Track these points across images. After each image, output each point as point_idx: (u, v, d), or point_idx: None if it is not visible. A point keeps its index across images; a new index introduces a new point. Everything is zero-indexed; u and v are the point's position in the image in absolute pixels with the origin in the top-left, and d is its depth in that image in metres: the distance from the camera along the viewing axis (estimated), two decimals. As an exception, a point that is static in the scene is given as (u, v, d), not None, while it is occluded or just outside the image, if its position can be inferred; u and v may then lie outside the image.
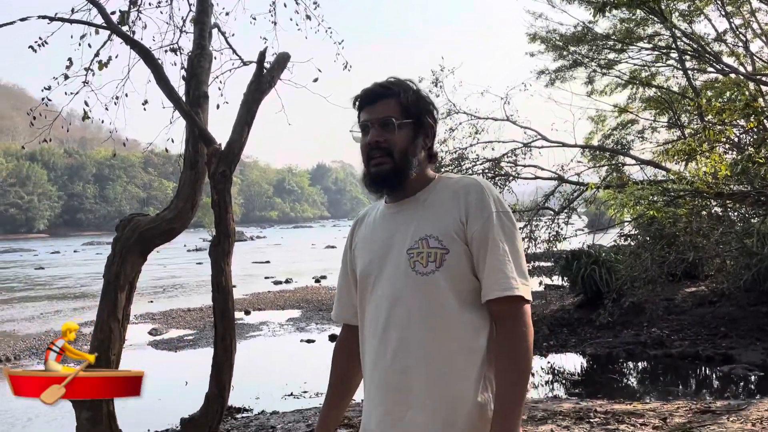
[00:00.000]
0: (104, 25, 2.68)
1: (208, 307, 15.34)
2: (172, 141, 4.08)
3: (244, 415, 7.05)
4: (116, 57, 5.13)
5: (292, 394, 7.87)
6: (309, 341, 11.11)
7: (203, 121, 2.78)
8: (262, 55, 2.67)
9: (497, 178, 12.29)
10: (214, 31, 3.19)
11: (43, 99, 5.49)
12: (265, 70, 2.70)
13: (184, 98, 2.82)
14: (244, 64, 3.53)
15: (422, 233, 1.52)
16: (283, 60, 2.87)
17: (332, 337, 11.32)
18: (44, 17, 2.41)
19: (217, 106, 3.55)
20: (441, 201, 1.56)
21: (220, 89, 5.38)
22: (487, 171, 12.40)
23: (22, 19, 2.49)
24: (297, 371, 9.16)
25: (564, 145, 12.08)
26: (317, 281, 20.24)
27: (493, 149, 12.46)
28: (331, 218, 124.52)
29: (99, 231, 77.25)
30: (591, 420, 5.38)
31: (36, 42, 5.27)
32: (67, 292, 19.67)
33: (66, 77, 5.51)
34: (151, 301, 16.94)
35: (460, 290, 1.49)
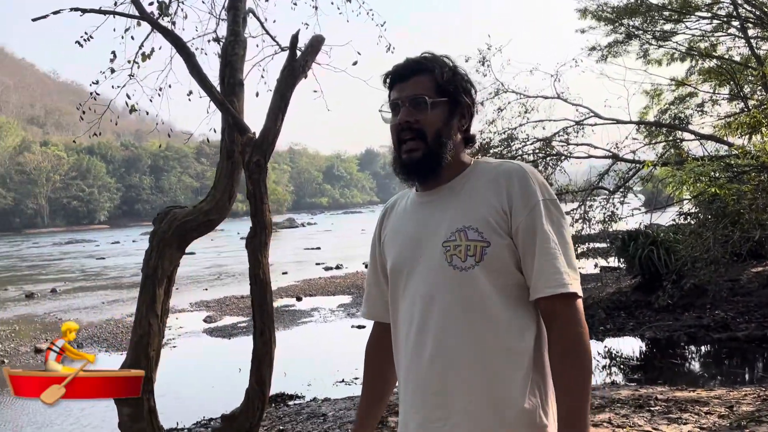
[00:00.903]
0: (138, 15, 2.64)
1: (261, 294, 15.59)
2: (214, 131, 4.05)
3: (296, 402, 7.09)
4: (159, 48, 5.15)
5: (343, 381, 7.88)
6: (359, 327, 11.11)
7: (239, 109, 2.72)
8: (295, 39, 2.57)
9: (549, 158, 12.00)
10: (251, 17, 3.12)
11: (91, 93, 5.58)
12: (298, 55, 2.61)
13: (219, 87, 2.76)
14: (282, 49, 3.45)
15: (459, 224, 1.38)
16: (316, 43, 2.77)
17: (382, 323, 11.30)
18: (76, 9, 2.39)
19: (257, 94, 3.49)
20: (479, 189, 1.42)
21: (263, 77, 5.38)
22: (537, 151, 12.13)
23: (55, 12, 2.48)
24: (348, 357, 9.16)
25: (618, 121, 11.68)
26: (367, 266, 20.24)
27: (543, 128, 12.19)
28: (380, 203, 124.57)
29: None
30: (651, 408, 5.16)
31: (82, 37, 5.36)
32: (126, 282, 20.30)
33: (112, 71, 5.58)
34: (206, 289, 17.31)
35: (503, 286, 1.36)
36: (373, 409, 1.66)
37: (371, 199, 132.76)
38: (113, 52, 4.87)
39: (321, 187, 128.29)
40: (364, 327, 11.09)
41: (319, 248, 29.64)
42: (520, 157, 12.36)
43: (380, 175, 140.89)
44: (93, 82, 5.59)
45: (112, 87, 5.62)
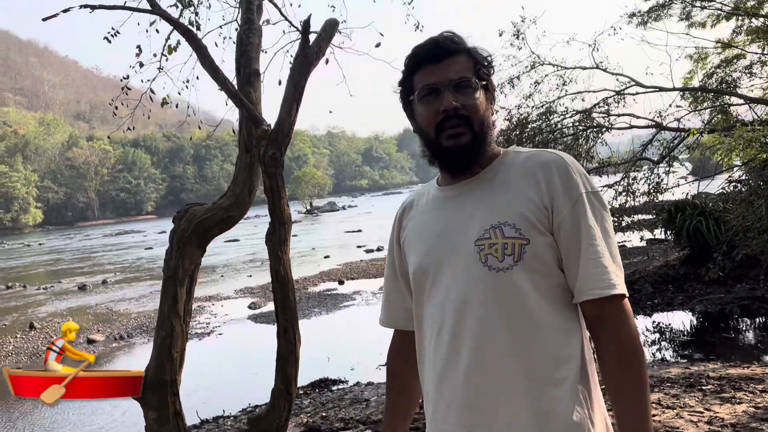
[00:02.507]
0: (149, 9, 2.60)
1: (303, 278, 15.73)
2: (233, 128, 4.02)
3: (339, 387, 7.12)
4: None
5: (386, 364, 7.87)
6: (403, 309, 11.10)
7: (255, 100, 2.65)
8: (306, 24, 2.48)
9: (589, 130, 11.70)
10: (267, 3, 3.04)
11: (122, 88, 5.63)
12: (311, 41, 2.52)
13: (234, 78, 2.70)
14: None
15: (494, 220, 1.24)
16: (330, 27, 2.67)
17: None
18: (85, 6, 2.36)
19: (279, 82, 3.43)
20: (514, 181, 1.28)
21: (291, 63, 5.31)
22: (577, 123, 11.83)
23: (65, 11, 2.45)
24: (388, 340, 9.17)
25: (661, 89, 11.27)
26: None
27: (583, 100, 11.87)
28: (420, 183, 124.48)
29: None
30: (703, 387, 4.98)
31: (109, 32, 5.39)
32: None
33: (141, 65, 5.60)
34: (250, 276, 17.57)
35: (545, 288, 1.23)
36: (398, 425, 1.54)
37: (411, 179, 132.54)
38: (138, 47, 4.89)
39: (360, 170, 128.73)
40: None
41: (360, 231, 29.76)
42: (559, 131, 12.09)
43: (419, 155, 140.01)
44: (123, 77, 5.65)
45: (142, 81, 5.66)
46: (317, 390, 7.05)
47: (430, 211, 1.39)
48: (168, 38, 5.20)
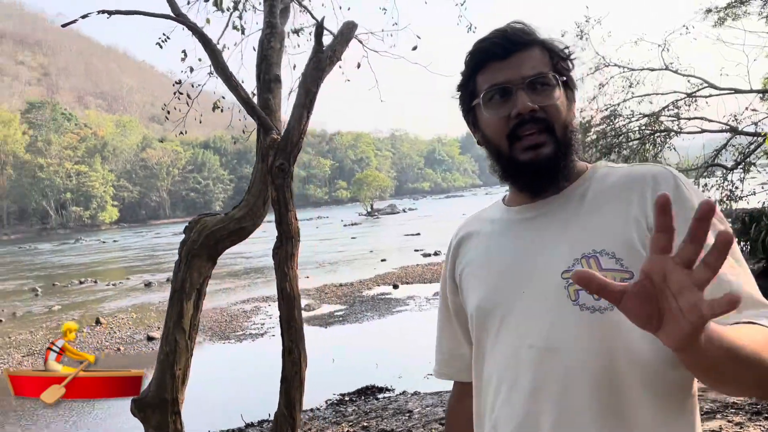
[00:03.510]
0: (164, 14, 2.55)
1: (359, 281, 15.73)
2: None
3: (385, 395, 7.00)
4: (235, 45, 5.16)
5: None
6: (456, 316, 10.88)
7: (275, 107, 2.56)
8: (320, 28, 2.36)
9: (656, 135, 11.20)
10: (309, 4, 2.96)
11: (174, 93, 5.72)
12: (325, 46, 2.40)
13: (255, 84, 2.62)
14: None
15: (586, 248, 0.99)
16: (347, 31, 2.55)
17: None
18: (102, 12, 2.33)
19: (290, 91, 3.36)
20: (609, 198, 1.03)
21: (340, 67, 5.25)
22: (644, 127, 11.35)
23: (83, 16, 2.44)
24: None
25: (737, 91, 10.65)
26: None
27: (651, 103, 11.40)
28: (483, 186, 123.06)
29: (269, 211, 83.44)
30: (772, 416, 4.57)
31: (160, 38, 5.48)
32: (236, 269, 21.20)
33: (191, 69, 5.66)
34: (307, 277, 17.70)
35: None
36: None
37: (473, 182, 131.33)
38: (184, 51, 4.94)
39: (423, 172, 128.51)
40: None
41: (418, 234, 29.57)
42: (624, 135, 11.62)
43: (482, 158, 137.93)
44: (176, 82, 5.74)
45: (192, 86, 5.74)
46: (362, 397, 6.96)
47: (497, 236, 1.13)
48: (216, 42, 5.26)
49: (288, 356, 2.28)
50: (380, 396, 6.98)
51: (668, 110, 11.36)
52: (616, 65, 11.61)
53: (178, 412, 2.10)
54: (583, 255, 0.99)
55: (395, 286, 14.66)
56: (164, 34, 5.37)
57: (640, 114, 11.43)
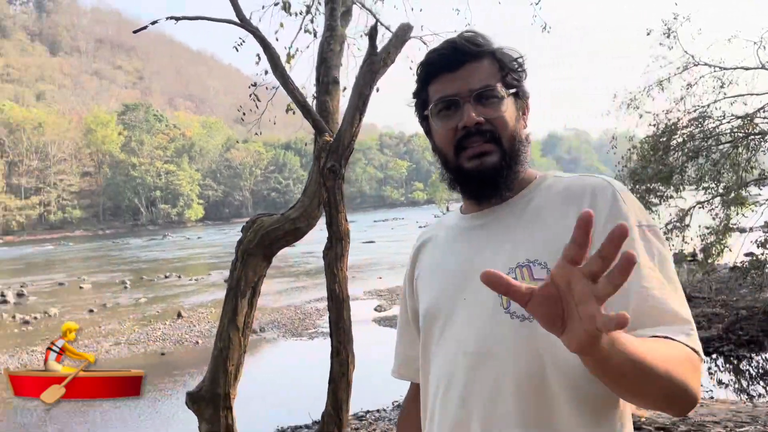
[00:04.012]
0: (233, 20, 2.62)
1: (431, 284, 15.67)
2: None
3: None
4: (306, 47, 5.27)
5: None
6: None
7: (332, 109, 2.58)
8: (374, 30, 2.35)
9: (750, 138, 10.58)
10: (379, 6, 2.97)
11: (250, 95, 5.90)
12: (379, 48, 2.39)
13: (315, 86, 2.66)
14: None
15: (521, 257, 1.02)
16: (402, 33, 2.52)
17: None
18: (171, 18, 2.43)
19: (376, 89, 3.35)
20: (549, 209, 1.06)
21: (411, 68, 5.26)
22: (736, 130, 10.74)
23: (153, 23, 2.55)
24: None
25: (841, 91, 9.88)
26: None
27: (745, 104, 10.75)
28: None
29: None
30: None
31: (236, 42, 5.68)
32: (311, 268, 21.63)
33: (266, 72, 5.83)
34: (380, 278, 17.82)
35: None
36: None
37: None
38: (258, 55, 5.09)
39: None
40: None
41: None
42: (714, 138, 11.05)
43: (564, 160, 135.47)
44: (251, 84, 5.92)
45: (267, 88, 5.90)
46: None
47: (450, 243, 1.17)
48: (290, 47, 5.39)
49: (336, 357, 2.29)
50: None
51: (764, 111, 10.71)
52: (706, 64, 11.04)
53: (230, 407, 2.16)
54: (517, 264, 1.02)
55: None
56: (240, 38, 5.58)
57: (732, 115, 10.83)
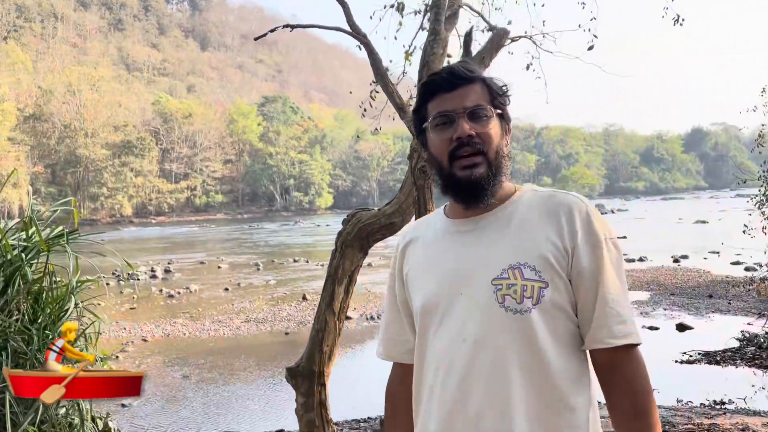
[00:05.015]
0: (340, 27, 2.79)
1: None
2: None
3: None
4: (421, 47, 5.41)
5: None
6: (651, 328, 10.12)
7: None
8: (468, 36, 2.41)
9: None
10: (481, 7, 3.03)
11: (371, 93, 6.14)
12: (473, 53, 2.43)
13: (415, 87, 2.75)
14: (512, 40, 3.29)
15: (512, 260, 1.22)
16: (498, 38, 2.55)
17: (680, 327, 10.11)
18: (287, 26, 2.64)
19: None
20: (533, 221, 1.26)
21: (529, 65, 5.23)
22: None
23: (272, 30, 2.77)
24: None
25: None
26: (676, 261, 18.29)
27: None
28: (708, 189, 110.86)
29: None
30: None
31: (358, 46, 5.93)
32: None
33: (387, 70, 6.03)
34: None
35: (560, 333, 1.22)
36: None
37: (697, 183, 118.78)
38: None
39: (637, 171, 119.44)
40: (657, 329, 10.08)
41: (624, 237, 27.67)
42: None
43: (709, 157, 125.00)
44: (372, 82, 6.16)
45: (372, 91, 6.10)
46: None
47: (440, 244, 1.36)
48: (410, 45, 5.56)
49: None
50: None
51: None
52: None
53: (324, 384, 2.35)
54: (510, 266, 1.22)
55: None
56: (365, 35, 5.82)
57: None
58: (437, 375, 1.28)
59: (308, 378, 2.30)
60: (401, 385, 1.46)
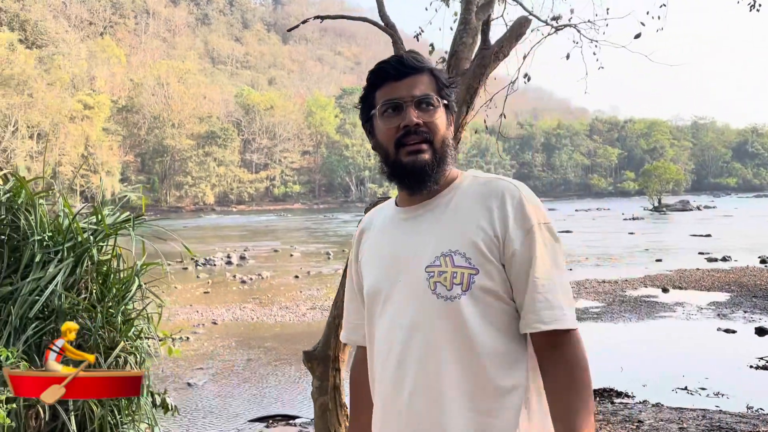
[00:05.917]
0: (367, 18, 2.80)
1: (625, 280, 14.80)
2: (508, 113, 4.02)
3: (622, 400, 6.62)
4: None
5: (686, 389, 6.99)
6: (728, 331, 9.61)
7: (457, 100, 2.64)
8: (486, 25, 2.35)
9: None
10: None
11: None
12: (492, 43, 2.37)
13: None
14: (556, 30, 3.19)
15: (445, 247, 1.26)
16: (518, 27, 2.47)
17: (759, 331, 9.53)
18: (318, 17, 2.68)
19: (527, 78, 3.33)
20: (466, 207, 1.29)
21: (594, 57, 5.08)
22: None
23: (303, 22, 2.82)
24: (700, 363, 8.08)
25: None
26: (763, 262, 17.22)
27: None
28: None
29: (545, 198, 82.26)
30: None
31: (415, 33, 5.91)
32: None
33: (443, 60, 6.00)
34: (570, 269, 17.21)
35: (492, 317, 1.24)
36: None
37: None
38: (431, 45, 5.27)
39: (728, 166, 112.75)
40: (734, 332, 9.56)
41: (708, 235, 26.33)
42: None
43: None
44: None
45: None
46: (597, 398, 6.67)
47: (386, 231, 1.40)
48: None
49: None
50: (616, 401, 6.62)
51: None
52: None
53: (339, 369, 2.39)
54: (441, 253, 1.25)
55: (665, 290, 13.43)
56: (420, 28, 5.81)
57: None
58: (379, 358, 1.34)
59: (323, 362, 2.36)
60: (363, 366, 1.49)
